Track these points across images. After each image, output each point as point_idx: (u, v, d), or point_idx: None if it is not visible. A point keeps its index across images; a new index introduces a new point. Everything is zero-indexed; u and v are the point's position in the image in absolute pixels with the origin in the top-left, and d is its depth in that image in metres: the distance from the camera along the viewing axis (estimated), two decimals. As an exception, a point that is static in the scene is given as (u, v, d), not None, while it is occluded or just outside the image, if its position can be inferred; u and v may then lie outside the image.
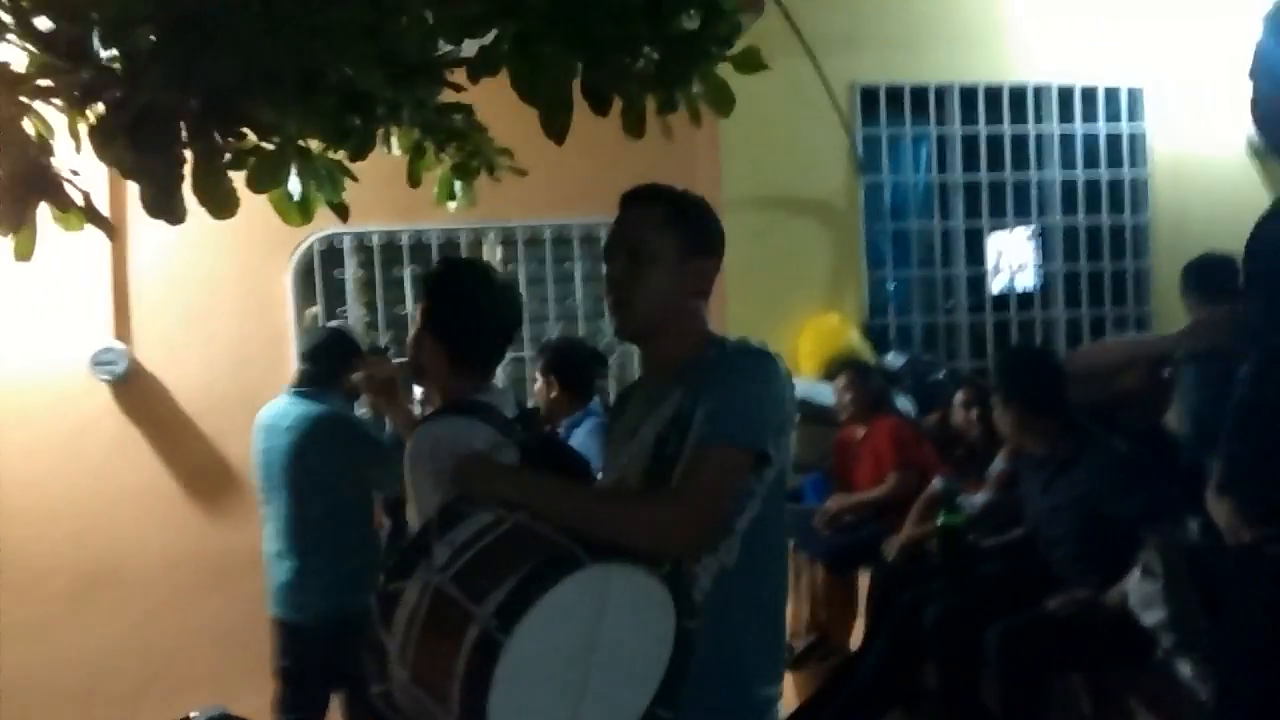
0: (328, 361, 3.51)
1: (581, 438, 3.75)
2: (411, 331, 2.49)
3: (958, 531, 3.71)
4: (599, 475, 2.19)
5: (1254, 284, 2.19)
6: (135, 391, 4.82)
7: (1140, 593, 3.05)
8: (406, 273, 5.14)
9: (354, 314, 5.11)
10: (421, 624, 1.60)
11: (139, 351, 4.81)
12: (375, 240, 5.10)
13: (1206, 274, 4.18)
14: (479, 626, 1.52)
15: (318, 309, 5.08)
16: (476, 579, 1.59)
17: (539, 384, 3.95)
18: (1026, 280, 6.05)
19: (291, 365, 4.95)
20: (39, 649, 4.50)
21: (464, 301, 2.41)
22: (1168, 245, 5.78)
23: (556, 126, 2.68)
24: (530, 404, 4.07)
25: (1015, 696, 3.18)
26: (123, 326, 4.80)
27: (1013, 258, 6.07)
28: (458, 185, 3.99)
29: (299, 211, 3.39)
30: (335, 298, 5.12)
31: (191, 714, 4.33)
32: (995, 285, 5.99)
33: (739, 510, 1.77)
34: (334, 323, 4.03)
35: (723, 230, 1.99)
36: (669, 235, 1.87)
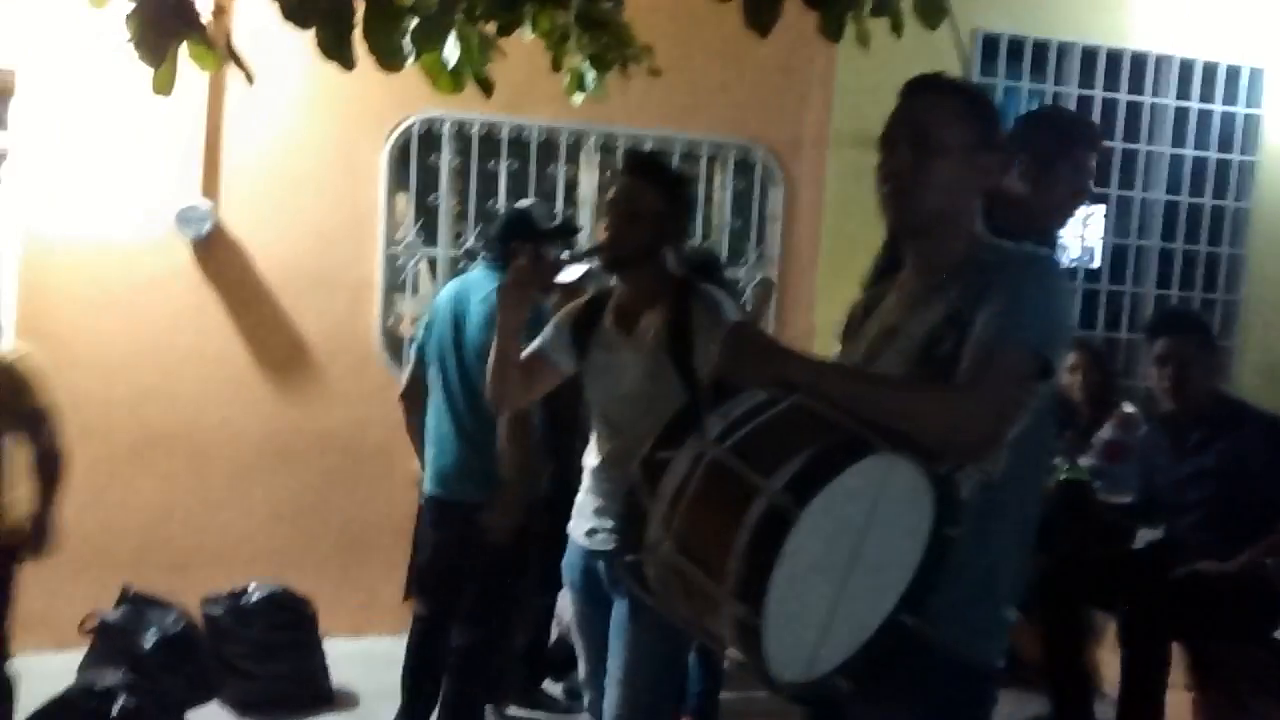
0: (505, 239, 3.49)
1: None
2: (609, 219, 2.51)
3: (1082, 486, 3.60)
4: None
5: None
6: (216, 255, 4.67)
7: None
8: (503, 166, 4.98)
9: (446, 203, 4.95)
10: (693, 494, 1.51)
11: (224, 213, 4.65)
12: (475, 129, 4.93)
13: None
14: (767, 500, 1.43)
15: (409, 196, 4.92)
16: (760, 453, 1.49)
17: None
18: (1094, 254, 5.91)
19: (377, 248, 4.84)
20: (91, 509, 4.36)
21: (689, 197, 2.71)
22: (1265, 233, 5.72)
23: (763, 18, 2.60)
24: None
25: (1141, 666, 3.11)
26: (211, 185, 4.63)
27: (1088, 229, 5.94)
28: (589, 77, 3.85)
29: (451, 80, 3.27)
30: (428, 185, 4.96)
31: (250, 585, 4.25)
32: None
33: None
34: (525, 202, 3.90)
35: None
36: (961, 128, 1.74)
